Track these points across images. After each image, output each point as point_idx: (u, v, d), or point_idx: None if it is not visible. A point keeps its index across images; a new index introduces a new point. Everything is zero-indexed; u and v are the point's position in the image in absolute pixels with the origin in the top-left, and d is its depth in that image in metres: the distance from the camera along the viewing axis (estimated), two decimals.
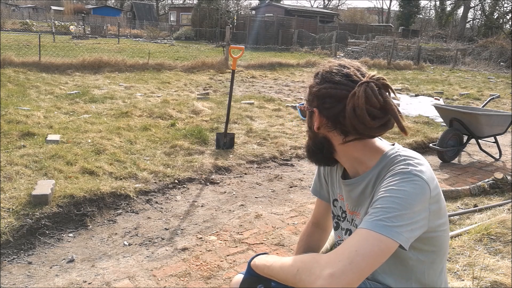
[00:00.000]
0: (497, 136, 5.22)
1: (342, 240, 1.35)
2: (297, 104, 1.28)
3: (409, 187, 1.02)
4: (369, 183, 1.17)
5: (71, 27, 26.93)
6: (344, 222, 1.33)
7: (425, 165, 1.10)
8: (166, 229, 3.03)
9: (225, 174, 4.22)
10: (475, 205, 3.50)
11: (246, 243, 2.86)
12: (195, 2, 38.73)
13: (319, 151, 1.25)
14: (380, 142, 1.23)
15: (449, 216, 3.12)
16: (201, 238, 2.92)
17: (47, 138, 4.51)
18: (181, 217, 3.24)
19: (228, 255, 2.69)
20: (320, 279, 0.91)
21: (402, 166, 1.08)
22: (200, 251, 2.72)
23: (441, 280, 1.21)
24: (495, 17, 39.21)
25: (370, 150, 1.19)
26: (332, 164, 1.30)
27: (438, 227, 1.11)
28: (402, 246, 0.97)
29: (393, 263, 0.98)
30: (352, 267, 0.91)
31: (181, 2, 45.72)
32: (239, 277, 1.33)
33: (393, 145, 1.22)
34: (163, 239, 2.88)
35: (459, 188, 3.86)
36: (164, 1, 56.46)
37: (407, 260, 1.13)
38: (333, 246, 1.46)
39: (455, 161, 5.17)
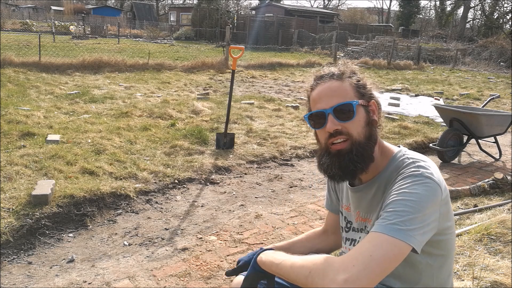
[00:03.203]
0: (497, 136, 5.22)
1: (345, 251, 1.34)
2: (353, 102, 1.14)
3: (422, 189, 1.01)
4: (379, 187, 1.17)
5: (71, 27, 26.90)
6: (349, 232, 1.31)
7: (433, 167, 1.10)
8: (166, 229, 3.03)
9: (225, 174, 4.22)
10: (475, 205, 3.50)
11: (246, 243, 2.85)
12: (195, 2, 38.73)
13: (368, 155, 1.15)
14: (387, 143, 1.23)
15: None
16: (201, 238, 2.91)
17: (47, 138, 4.51)
18: (181, 217, 3.24)
19: (228, 255, 2.69)
20: (334, 283, 0.91)
21: (412, 169, 1.08)
22: (200, 251, 2.72)
23: (448, 283, 1.21)
24: (495, 17, 39.20)
25: (381, 150, 1.20)
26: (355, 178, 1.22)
27: (447, 229, 1.11)
28: (415, 249, 0.97)
29: (402, 267, 0.98)
30: (366, 273, 0.90)
31: (181, 2, 45.72)
32: (240, 279, 1.32)
33: (399, 146, 1.22)
34: (163, 239, 2.88)
35: (459, 188, 3.86)
36: (164, 1, 56.47)
37: (417, 264, 1.13)
38: (340, 254, 1.44)
39: (455, 161, 5.17)
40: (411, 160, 1.12)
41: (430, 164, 1.10)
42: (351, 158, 1.12)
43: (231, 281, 1.34)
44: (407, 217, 0.97)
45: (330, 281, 0.91)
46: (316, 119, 1.18)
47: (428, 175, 1.05)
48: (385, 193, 1.12)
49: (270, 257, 1.13)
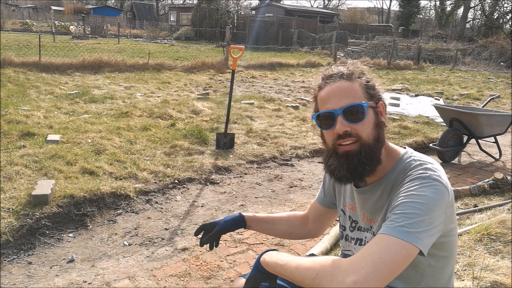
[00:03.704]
0: (497, 136, 5.22)
1: (350, 250, 1.33)
2: (364, 104, 1.12)
3: (430, 192, 1.01)
4: (385, 189, 1.16)
5: (71, 27, 26.88)
6: (354, 231, 1.30)
7: (440, 169, 1.10)
8: (166, 229, 3.03)
9: (225, 174, 4.22)
10: (475, 205, 3.50)
11: (246, 243, 2.85)
12: (195, 2, 38.72)
13: (376, 157, 1.13)
14: (393, 144, 1.22)
15: None
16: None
17: (47, 138, 4.51)
18: (181, 217, 3.24)
19: (228, 255, 2.69)
20: (342, 285, 0.90)
21: (420, 171, 1.07)
22: (200, 251, 2.72)
23: (450, 284, 1.21)
24: (495, 17, 39.19)
25: (388, 152, 1.19)
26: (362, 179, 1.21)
27: (450, 231, 1.11)
28: (422, 252, 0.96)
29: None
30: (375, 275, 0.90)
31: (181, 2, 45.71)
32: (242, 280, 1.32)
33: (405, 148, 1.22)
34: (163, 239, 2.89)
35: (459, 188, 3.86)
36: (164, 1, 56.46)
37: (419, 265, 1.12)
38: (341, 254, 1.42)
39: (455, 161, 5.17)
40: (418, 162, 1.11)
41: (437, 167, 1.10)
42: (360, 160, 1.11)
43: (231, 281, 1.34)
44: (415, 219, 0.97)
45: (338, 283, 0.91)
46: (324, 119, 1.15)
47: (436, 178, 1.04)
48: (391, 195, 1.12)
49: (274, 258, 1.12)
